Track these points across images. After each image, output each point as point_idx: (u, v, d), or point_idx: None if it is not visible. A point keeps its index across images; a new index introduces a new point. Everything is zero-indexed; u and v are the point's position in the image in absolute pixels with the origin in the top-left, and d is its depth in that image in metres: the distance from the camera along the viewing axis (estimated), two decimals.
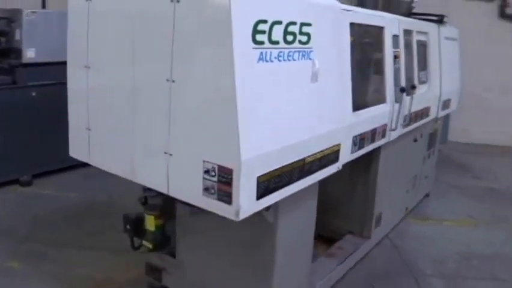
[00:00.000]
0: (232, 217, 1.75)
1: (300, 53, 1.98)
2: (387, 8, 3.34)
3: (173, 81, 1.80)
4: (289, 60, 1.91)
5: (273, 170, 1.86)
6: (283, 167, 1.93)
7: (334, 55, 2.28)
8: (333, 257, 3.11)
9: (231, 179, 1.70)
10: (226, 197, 1.74)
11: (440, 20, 3.89)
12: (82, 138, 2.25)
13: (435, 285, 3.20)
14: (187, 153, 1.83)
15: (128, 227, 2.63)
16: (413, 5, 3.58)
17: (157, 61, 1.85)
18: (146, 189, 2.59)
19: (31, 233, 3.55)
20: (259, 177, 1.79)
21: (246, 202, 1.74)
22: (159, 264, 2.76)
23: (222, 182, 1.73)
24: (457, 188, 5.29)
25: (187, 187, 1.86)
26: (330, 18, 2.23)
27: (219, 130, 1.70)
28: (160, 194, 2.49)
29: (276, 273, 2.29)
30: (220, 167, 1.72)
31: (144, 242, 2.61)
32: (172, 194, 1.93)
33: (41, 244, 3.37)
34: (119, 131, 2.08)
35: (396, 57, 3.04)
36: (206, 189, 1.80)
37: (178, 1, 1.72)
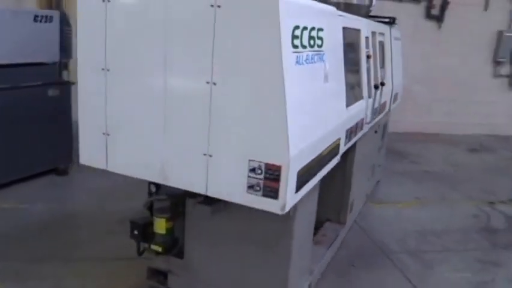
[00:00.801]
0: (278, 211, 1.87)
1: (317, 56, 2.14)
2: (348, 11, 3.61)
3: (214, 83, 1.85)
4: (312, 62, 2.06)
5: (307, 164, 2.01)
6: (311, 161, 2.08)
7: (334, 57, 2.47)
8: (321, 244, 3.33)
9: (279, 175, 1.82)
10: (272, 192, 1.85)
11: (392, 21, 4.29)
12: (97, 144, 2.19)
13: (404, 260, 3.56)
14: (229, 154, 1.90)
15: (135, 232, 2.59)
16: (371, 8, 3.90)
17: (195, 64, 1.89)
18: (152, 194, 2.60)
19: (1, 252, 3.28)
20: (298, 172, 1.92)
21: (289, 196, 1.87)
22: (163, 267, 2.76)
23: (269, 178, 1.84)
24: (399, 173, 5.83)
25: (229, 186, 1.93)
26: (333, 23, 2.42)
27: (266, 130, 1.80)
28: (168, 197, 2.56)
29: (292, 264, 2.43)
30: (267, 164, 1.83)
31: (153, 246, 2.59)
32: (211, 194, 1.99)
33: (18, 262, 3.14)
34: (147, 135, 2.07)
35: (368, 56, 3.33)
36: (250, 187, 1.88)
37: (219, 6, 1.78)
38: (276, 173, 1.82)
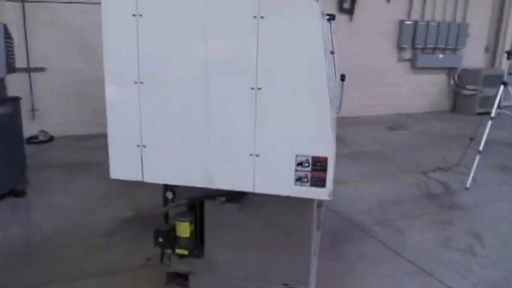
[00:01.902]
0: (326, 197, 2.10)
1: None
2: None
3: (259, 88, 2.01)
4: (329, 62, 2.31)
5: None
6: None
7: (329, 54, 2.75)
8: None
9: (326, 166, 2.05)
10: (320, 182, 2.07)
11: (332, 18, 4.71)
12: (130, 156, 2.21)
13: (377, 231, 4.01)
14: (276, 152, 2.08)
15: (160, 239, 2.63)
16: None
17: (238, 73, 2.02)
18: (169, 201, 2.66)
19: None
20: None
21: (331, 183, 2.11)
22: (184, 270, 2.83)
23: (316, 170, 2.06)
24: (340, 156, 6.35)
25: (277, 181, 2.11)
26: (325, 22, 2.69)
27: (311, 126, 2.02)
28: (188, 201, 2.64)
29: (312, 246, 2.68)
30: (314, 157, 2.04)
31: (178, 251, 2.66)
32: (258, 190, 2.15)
33: None
34: (188, 143, 2.15)
35: (332, 52, 3.67)
36: (298, 179, 2.09)
37: (262, 17, 1.94)
38: (323, 164, 2.04)
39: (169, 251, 2.69)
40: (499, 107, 5.19)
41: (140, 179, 2.25)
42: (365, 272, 3.24)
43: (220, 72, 2.04)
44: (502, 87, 5.21)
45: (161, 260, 2.71)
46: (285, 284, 2.74)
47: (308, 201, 2.52)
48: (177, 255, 2.69)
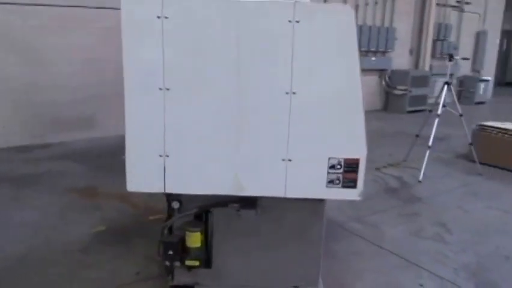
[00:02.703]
0: (356, 197, 2.16)
1: None
2: None
3: (293, 93, 2.00)
4: None
5: None
6: None
7: None
8: None
9: (357, 167, 2.10)
10: (351, 183, 2.12)
11: None
12: (152, 167, 2.09)
13: (356, 227, 4.16)
14: (309, 156, 2.09)
15: (170, 252, 2.51)
16: None
17: (273, 77, 2.00)
18: (175, 211, 2.55)
19: None
20: None
21: (362, 183, 2.16)
22: (190, 282, 2.72)
23: (348, 171, 2.10)
24: None
25: (309, 184, 2.12)
26: None
27: (344, 129, 2.06)
28: (198, 209, 2.54)
29: (321, 244, 2.72)
30: (346, 159, 2.08)
31: (188, 262, 2.56)
32: (290, 194, 2.14)
33: None
34: (216, 150, 2.08)
35: None
36: (330, 182, 2.12)
37: (297, 21, 1.93)
38: (354, 166, 2.09)
39: (177, 263, 2.58)
40: (443, 105, 5.64)
41: (162, 191, 2.13)
42: (359, 268, 3.35)
43: (253, 76, 2.00)
44: (445, 87, 5.67)
45: (171, 274, 2.58)
46: (295, 287, 2.76)
47: (320, 202, 2.55)
48: (187, 267, 2.59)
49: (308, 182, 2.12)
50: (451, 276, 3.32)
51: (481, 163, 5.99)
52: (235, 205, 2.45)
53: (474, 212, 4.61)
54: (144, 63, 1.99)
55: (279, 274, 2.73)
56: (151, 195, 4.76)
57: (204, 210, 2.58)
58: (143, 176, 2.11)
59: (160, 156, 2.07)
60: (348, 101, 2.03)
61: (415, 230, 4.11)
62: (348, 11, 1.94)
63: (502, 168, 6.14)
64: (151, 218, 4.20)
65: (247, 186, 2.13)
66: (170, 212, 2.59)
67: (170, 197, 2.57)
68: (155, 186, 2.13)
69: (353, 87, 2.00)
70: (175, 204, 2.63)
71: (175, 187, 2.13)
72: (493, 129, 6.25)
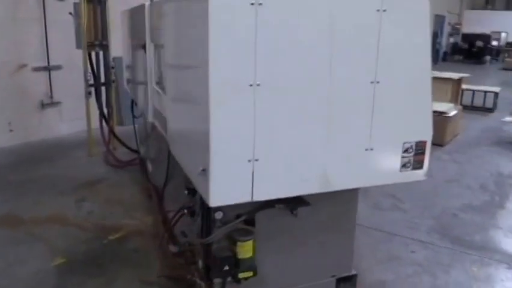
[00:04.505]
0: (423, 178, 2.25)
1: None
2: None
3: (377, 82, 1.98)
4: None
5: None
6: None
7: None
8: None
9: (424, 148, 2.19)
10: (419, 164, 2.21)
11: None
12: (239, 175, 1.85)
13: None
14: (387, 143, 2.10)
15: (226, 268, 2.27)
16: None
17: (360, 67, 1.95)
18: (217, 221, 2.32)
19: None
20: None
21: (428, 164, 2.26)
22: None
23: (417, 154, 2.18)
24: None
25: (385, 171, 2.14)
26: None
27: (417, 114, 2.13)
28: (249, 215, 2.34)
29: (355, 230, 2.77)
30: (417, 142, 2.16)
31: (242, 274, 2.35)
32: (370, 183, 2.14)
33: None
34: (305, 148, 1.93)
35: None
36: (403, 166, 2.17)
37: (384, 10, 1.91)
38: (423, 148, 2.18)
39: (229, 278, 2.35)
40: None
41: (249, 200, 1.91)
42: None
43: (342, 68, 1.92)
44: None
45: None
46: (333, 276, 2.76)
47: (353, 192, 2.59)
48: (239, 280, 2.37)
49: (386, 168, 2.14)
50: (429, 239, 3.72)
51: None
52: (279, 205, 2.32)
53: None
54: (234, 55, 1.72)
55: (317, 267, 2.69)
56: (90, 213, 4.17)
57: (252, 215, 2.39)
58: (230, 187, 1.84)
59: (249, 161, 1.83)
60: (421, 87, 2.09)
61: (373, 204, 4.44)
62: (424, 0, 1.99)
63: None
64: (111, 238, 3.69)
65: (333, 181, 2.04)
66: (209, 223, 2.33)
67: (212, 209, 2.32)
68: (242, 196, 1.88)
69: (425, 71, 2.08)
70: (218, 215, 2.37)
71: (263, 194, 1.92)
72: None
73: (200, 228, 2.46)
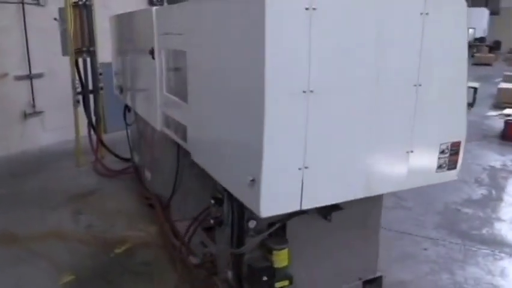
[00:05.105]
0: (455, 178, 2.26)
1: None
2: None
3: (419, 85, 1.98)
4: None
5: None
6: None
7: None
8: None
9: (458, 149, 2.21)
10: (453, 165, 2.22)
11: None
12: (289, 183, 1.80)
13: None
14: (427, 144, 2.10)
15: (265, 278, 2.21)
16: None
17: (404, 71, 1.94)
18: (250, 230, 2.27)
19: None
20: None
21: (460, 164, 2.27)
22: None
23: (452, 154, 2.19)
24: None
25: (422, 173, 2.14)
26: None
27: (453, 114, 2.14)
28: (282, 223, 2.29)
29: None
30: (452, 143, 2.17)
31: (278, 284, 2.29)
32: (408, 186, 2.13)
33: None
34: (351, 153, 1.91)
35: None
36: (439, 167, 2.18)
37: (427, 13, 1.91)
38: (457, 148, 2.19)
39: None
40: None
41: (298, 208, 1.86)
42: None
43: (389, 72, 1.91)
44: None
45: None
46: (360, 279, 2.75)
47: (378, 196, 2.58)
48: None
49: (424, 170, 2.13)
50: (437, 235, 3.77)
51: None
52: (314, 211, 2.29)
53: None
54: (289, 61, 1.67)
55: (345, 271, 2.67)
56: (89, 226, 4.00)
57: (284, 223, 2.34)
58: (280, 196, 1.79)
59: (299, 169, 1.78)
60: (458, 87, 2.11)
61: None
62: (462, 2, 2.00)
63: None
64: (117, 251, 3.55)
65: (375, 186, 2.02)
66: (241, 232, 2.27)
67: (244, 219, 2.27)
68: (292, 205, 1.83)
69: (462, 72, 2.09)
70: (252, 224, 2.32)
71: (311, 202, 1.87)
72: None
73: (230, 238, 2.39)
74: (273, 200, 1.79)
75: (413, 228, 3.89)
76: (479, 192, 4.73)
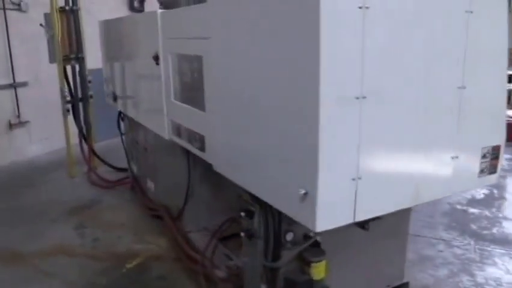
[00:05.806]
0: (494, 181, 2.22)
1: None
2: None
3: (464, 87, 1.93)
4: None
5: None
6: None
7: None
8: None
9: (498, 153, 2.17)
10: (494, 169, 2.18)
11: None
12: (342, 195, 1.71)
13: None
14: (469, 149, 2.05)
15: None
16: None
17: (449, 72, 1.88)
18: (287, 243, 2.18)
19: None
20: None
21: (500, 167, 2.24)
22: None
23: (493, 158, 2.15)
24: None
25: (466, 178, 2.09)
26: None
27: (493, 117, 2.09)
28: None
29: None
30: (493, 147, 2.13)
31: None
32: (452, 192, 2.09)
33: None
34: (402, 161, 1.84)
35: None
36: (481, 171, 2.13)
37: (471, 12, 1.86)
38: (498, 152, 2.16)
39: None
40: None
41: (351, 221, 1.77)
42: None
43: (436, 74, 1.84)
44: None
45: None
46: (388, 286, 2.70)
47: None
48: None
49: (467, 175, 2.08)
50: (450, 236, 3.76)
51: None
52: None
53: None
54: (343, 65, 1.58)
55: (374, 278, 2.61)
56: (95, 240, 3.81)
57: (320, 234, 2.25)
58: (333, 209, 1.69)
59: (353, 179, 1.70)
60: (499, 89, 2.07)
61: None
62: (503, 1, 1.96)
63: None
64: (128, 266, 3.39)
65: (423, 193, 1.95)
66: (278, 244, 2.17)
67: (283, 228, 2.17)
68: (345, 218, 1.73)
69: (503, 74, 2.06)
70: (289, 236, 2.22)
71: (364, 213, 1.78)
72: None
73: (264, 251, 2.28)
74: (328, 214, 1.70)
75: (424, 230, 3.87)
76: (481, 191, 4.77)
